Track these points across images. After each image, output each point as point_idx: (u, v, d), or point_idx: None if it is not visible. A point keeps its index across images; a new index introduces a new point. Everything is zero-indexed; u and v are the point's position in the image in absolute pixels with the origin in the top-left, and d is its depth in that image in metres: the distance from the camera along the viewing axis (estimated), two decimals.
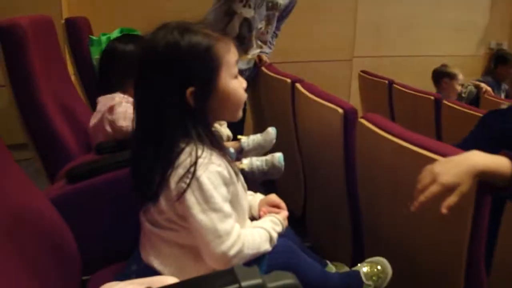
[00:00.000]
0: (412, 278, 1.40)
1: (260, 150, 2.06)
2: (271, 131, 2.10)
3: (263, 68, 2.82)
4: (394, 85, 3.45)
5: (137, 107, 1.10)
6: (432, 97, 3.05)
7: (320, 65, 4.27)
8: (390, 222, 1.47)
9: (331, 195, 1.88)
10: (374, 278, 1.34)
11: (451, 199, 0.99)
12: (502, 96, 4.74)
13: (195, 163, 1.01)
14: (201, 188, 1.01)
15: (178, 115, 1.04)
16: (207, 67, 1.05)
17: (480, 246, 1.16)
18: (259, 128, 3.23)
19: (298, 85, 2.05)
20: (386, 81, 3.52)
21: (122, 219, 1.23)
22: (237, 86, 1.12)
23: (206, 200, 1.02)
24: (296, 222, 1.38)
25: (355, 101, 3.97)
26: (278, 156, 1.90)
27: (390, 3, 4.83)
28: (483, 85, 4.33)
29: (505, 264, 1.14)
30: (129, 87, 1.86)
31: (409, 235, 1.38)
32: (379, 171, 1.45)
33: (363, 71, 3.98)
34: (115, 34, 2.44)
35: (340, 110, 1.60)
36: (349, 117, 1.59)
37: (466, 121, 2.75)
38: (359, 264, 1.39)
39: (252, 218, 1.27)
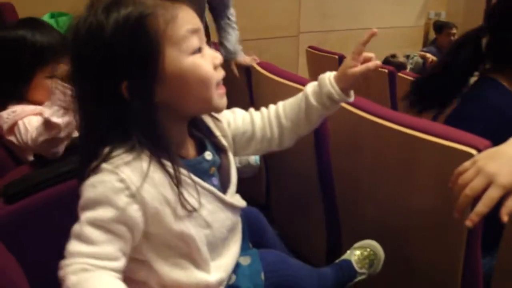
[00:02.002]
0: (402, 268, 1.29)
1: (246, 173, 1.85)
2: (254, 163, 1.89)
3: None
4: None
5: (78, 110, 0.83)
6: (386, 70, 2.97)
7: (265, 43, 4.11)
8: (372, 209, 1.34)
9: (299, 181, 1.74)
10: (366, 265, 1.22)
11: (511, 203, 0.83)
12: None
13: (97, 166, 0.77)
14: (82, 194, 0.77)
15: (110, 117, 0.79)
16: (140, 48, 0.76)
17: (477, 238, 1.06)
18: None
19: (254, 65, 1.88)
20: (336, 56, 3.41)
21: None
22: (198, 62, 0.80)
23: (80, 207, 0.77)
24: (260, 210, 1.21)
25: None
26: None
27: None
28: (429, 55, 4.37)
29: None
30: (25, 89, 1.40)
31: (397, 222, 1.26)
32: (357, 153, 1.32)
33: (310, 47, 3.86)
34: (46, 19, 2.20)
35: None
36: None
37: None
38: (348, 252, 1.27)
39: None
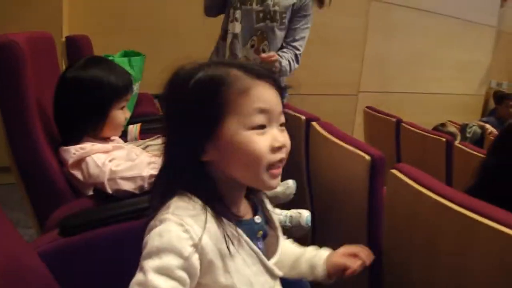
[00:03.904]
0: None
1: (274, 201, 1.85)
2: (292, 185, 1.92)
3: None
4: (402, 124, 3.32)
5: None
6: (443, 139, 2.92)
7: (323, 99, 4.14)
8: None
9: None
10: None
11: None
12: None
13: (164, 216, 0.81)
14: (147, 243, 0.80)
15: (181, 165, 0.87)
16: (206, 109, 0.85)
17: None
18: None
19: (314, 124, 1.89)
20: (394, 119, 3.39)
21: (124, 279, 1.05)
22: (252, 138, 0.85)
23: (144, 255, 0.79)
24: None
25: (358, 137, 3.82)
26: (306, 216, 1.73)
27: (396, 38, 4.74)
28: (488, 126, 4.27)
29: None
30: (98, 126, 1.51)
31: None
32: (412, 229, 1.30)
33: (368, 107, 3.85)
34: (118, 56, 2.30)
35: (367, 157, 1.44)
36: (377, 166, 1.43)
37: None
38: None
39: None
